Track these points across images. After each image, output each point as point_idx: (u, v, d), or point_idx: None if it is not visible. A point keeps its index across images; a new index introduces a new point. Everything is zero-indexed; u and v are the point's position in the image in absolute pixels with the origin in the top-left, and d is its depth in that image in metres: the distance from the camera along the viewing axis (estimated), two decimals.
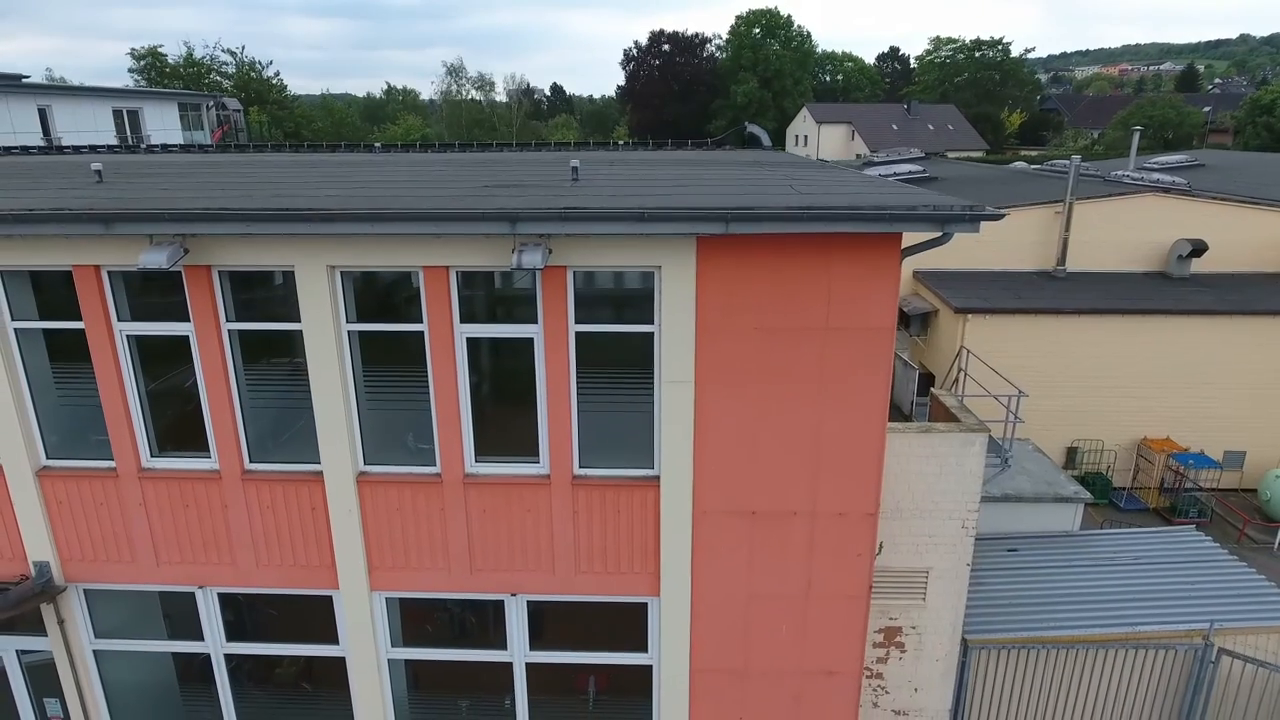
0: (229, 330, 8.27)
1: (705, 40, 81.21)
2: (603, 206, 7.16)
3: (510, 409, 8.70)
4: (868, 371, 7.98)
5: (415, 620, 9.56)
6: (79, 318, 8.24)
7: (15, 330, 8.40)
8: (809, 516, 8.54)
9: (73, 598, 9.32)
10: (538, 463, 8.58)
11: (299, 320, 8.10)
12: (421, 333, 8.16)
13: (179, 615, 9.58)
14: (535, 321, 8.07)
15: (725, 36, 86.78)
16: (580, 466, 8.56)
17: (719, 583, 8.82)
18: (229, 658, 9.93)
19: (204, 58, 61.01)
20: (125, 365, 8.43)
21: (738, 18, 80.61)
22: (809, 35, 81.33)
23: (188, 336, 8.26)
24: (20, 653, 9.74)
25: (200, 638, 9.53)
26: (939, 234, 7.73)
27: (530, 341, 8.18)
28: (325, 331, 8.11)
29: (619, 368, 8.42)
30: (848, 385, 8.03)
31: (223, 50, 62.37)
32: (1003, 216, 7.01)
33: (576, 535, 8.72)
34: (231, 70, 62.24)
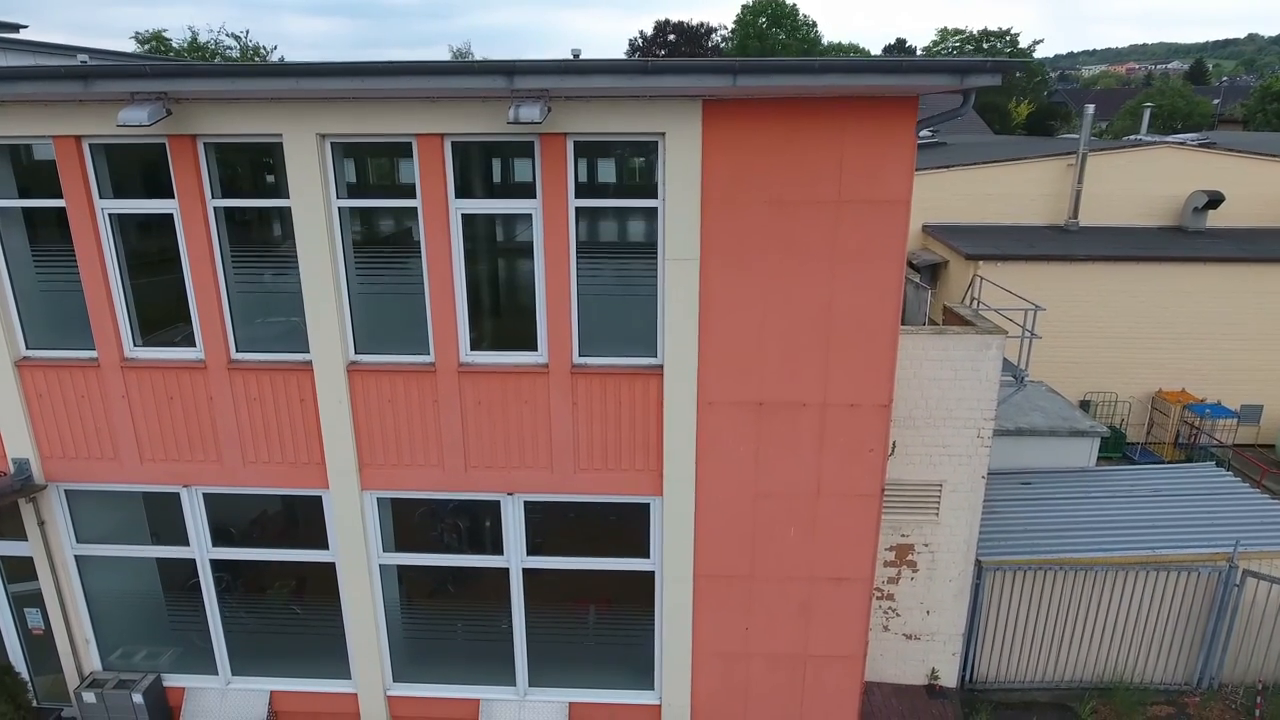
0: (214, 207, 7.93)
1: (711, 30, 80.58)
2: (604, 58, 6.81)
3: (507, 297, 8.35)
4: (882, 247, 7.60)
5: (409, 539, 9.22)
6: (60, 196, 7.93)
7: None
8: (819, 408, 8.16)
9: (53, 498, 8.99)
10: (535, 351, 8.22)
11: (288, 197, 7.78)
12: (415, 209, 7.82)
13: (164, 525, 9.24)
14: (534, 196, 7.72)
15: (731, 26, 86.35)
16: (580, 355, 8.20)
17: (724, 480, 8.45)
18: (218, 580, 9.61)
19: (209, 42, 60.89)
20: (108, 247, 8.10)
21: (744, 7, 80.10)
22: (815, 24, 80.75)
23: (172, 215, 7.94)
24: (1, 559, 9.41)
25: (186, 544, 9.21)
26: (959, 101, 7.48)
27: (528, 219, 7.84)
28: (315, 208, 7.76)
29: (621, 249, 8.07)
30: (860, 262, 7.65)
31: (227, 34, 62.35)
32: (1027, 62, 6.62)
33: (576, 429, 8.36)
34: (236, 55, 62.09)
